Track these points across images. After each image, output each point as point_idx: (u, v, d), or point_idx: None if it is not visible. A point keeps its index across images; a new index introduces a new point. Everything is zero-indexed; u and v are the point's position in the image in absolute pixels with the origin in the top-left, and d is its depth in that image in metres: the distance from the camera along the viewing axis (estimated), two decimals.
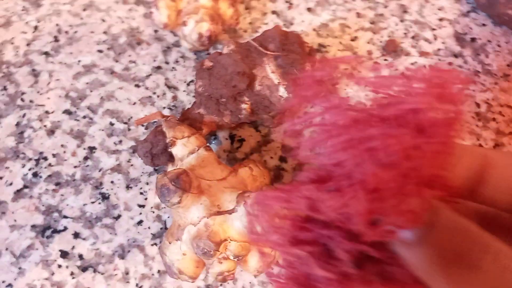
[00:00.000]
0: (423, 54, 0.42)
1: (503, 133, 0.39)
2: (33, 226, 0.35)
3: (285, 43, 0.34)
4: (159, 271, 0.33)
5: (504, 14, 0.42)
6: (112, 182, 0.36)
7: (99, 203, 0.36)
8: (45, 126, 0.38)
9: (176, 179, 0.28)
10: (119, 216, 0.35)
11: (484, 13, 0.45)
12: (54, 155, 0.37)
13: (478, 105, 0.40)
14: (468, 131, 0.39)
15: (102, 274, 0.33)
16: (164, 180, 0.28)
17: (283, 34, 0.35)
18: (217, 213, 0.29)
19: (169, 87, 0.40)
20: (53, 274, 0.33)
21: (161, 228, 0.35)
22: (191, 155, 0.32)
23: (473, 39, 0.43)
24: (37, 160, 0.37)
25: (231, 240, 0.29)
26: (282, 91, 0.33)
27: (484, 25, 0.44)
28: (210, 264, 0.30)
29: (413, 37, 0.43)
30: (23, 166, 0.37)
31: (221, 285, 0.33)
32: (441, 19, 0.44)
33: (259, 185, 0.33)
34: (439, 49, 0.43)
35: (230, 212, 0.29)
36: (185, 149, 0.32)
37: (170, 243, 0.30)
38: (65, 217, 0.35)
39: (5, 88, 0.40)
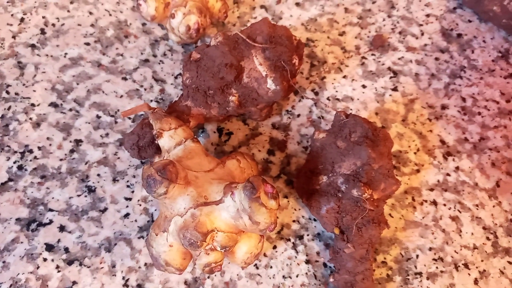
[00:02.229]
0: (410, 49, 0.43)
1: (488, 126, 0.40)
2: (18, 220, 0.34)
3: (273, 35, 0.34)
4: (146, 264, 0.33)
5: (489, 11, 0.43)
6: (98, 175, 0.36)
7: (85, 196, 0.35)
8: (30, 119, 0.38)
9: (162, 169, 0.28)
10: (105, 209, 0.35)
11: (470, 10, 0.45)
12: (39, 148, 0.37)
13: (463, 99, 0.41)
14: (454, 124, 0.39)
15: (88, 267, 0.33)
16: (150, 170, 0.28)
17: (271, 26, 0.35)
18: (204, 204, 0.29)
19: (156, 80, 0.40)
20: (38, 267, 0.33)
21: (148, 221, 0.35)
22: (178, 146, 0.31)
23: (459, 35, 0.44)
24: (22, 153, 0.36)
25: (218, 231, 0.28)
26: (270, 83, 0.33)
27: (470, 21, 0.45)
28: (197, 256, 0.29)
29: (400, 33, 0.44)
30: (8, 159, 0.36)
31: (208, 277, 0.33)
32: (428, 15, 0.45)
33: (246, 177, 0.33)
34: (425, 45, 0.43)
35: (217, 203, 0.29)
36: (172, 141, 0.32)
37: (156, 235, 0.30)
38: (51, 210, 0.35)
39: None
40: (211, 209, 0.29)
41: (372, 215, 0.30)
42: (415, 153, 0.38)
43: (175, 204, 0.29)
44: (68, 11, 0.43)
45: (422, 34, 0.44)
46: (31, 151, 0.36)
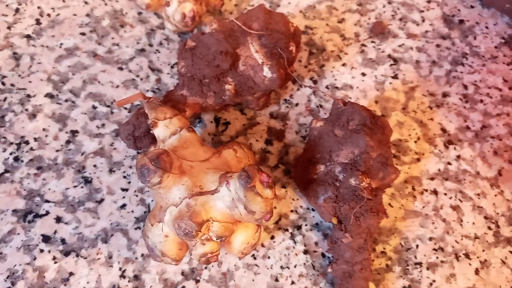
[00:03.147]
0: (410, 36, 0.42)
1: (490, 114, 0.39)
2: (15, 211, 0.34)
3: (269, 22, 0.34)
4: (142, 255, 0.33)
5: None
6: (95, 166, 0.36)
7: (82, 187, 0.35)
8: (26, 110, 0.37)
9: (156, 159, 0.28)
10: (102, 200, 0.35)
11: None
12: (35, 139, 0.36)
13: (465, 86, 0.40)
14: (455, 112, 0.39)
15: (85, 258, 0.33)
16: (144, 160, 0.28)
17: (267, 13, 0.34)
18: (199, 193, 0.28)
19: (152, 69, 0.39)
20: (35, 258, 0.33)
21: (144, 212, 0.34)
22: (173, 136, 0.31)
23: (461, 21, 0.43)
24: (19, 144, 0.36)
25: (213, 221, 0.28)
26: (266, 71, 0.33)
27: (472, 7, 0.44)
28: (193, 246, 0.29)
29: (400, 19, 0.43)
30: (4, 150, 0.36)
31: (205, 267, 0.33)
32: (429, 1, 0.44)
33: (243, 166, 0.32)
34: (426, 31, 0.42)
35: (212, 192, 0.28)
36: (167, 130, 0.31)
37: (152, 225, 0.29)
38: (47, 201, 0.34)
39: None
40: (206, 198, 0.28)
41: (370, 204, 0.30)
42: (415, 141, 0.37)
43: (170, 194, 0.28)
44: (64, 1, 0.42)
45: (423, 20, 0.43)
46: (27, 142, 0.36)
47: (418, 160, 0.37)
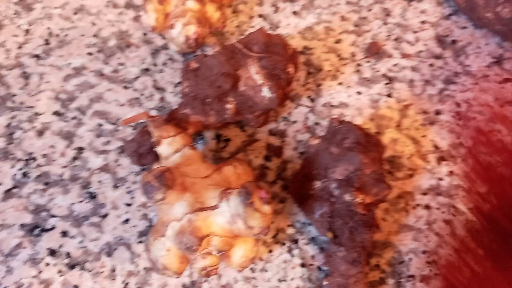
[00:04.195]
0: (405, 55, 0.44)
1: (482, 131, 0.40)
2: (22, 225, 0.35)
3: (269, 45, 0.35)
4: (145, 268, 0.34)
5: (483, 17, 0.44)
6: (99, 181, 0.37)
7: (87, 202, 0.36)
8: (34, 127, 0.39)
9: (160, 176, 0.29)
10: (106, 215, 0.36)
11: (465, 16, 0.46)
12: (43, 156, 0.38)
13: (458, 104, 0.41)
14: (448, 129, 0.40)
15: (89, 271, 0.34)
16: (149, 177, 0.29)
17: (267, 36, 0.36)
18: (200, 209, 0.29)
19: (157, 88, 0.41)
20: (41, 272, 0.34)
21: (147, 226, 0.36)
22: (176, 153, 0.32)
23: (454, 41, 0.44)
24: (27, 161, 0.38)
25: (214, 235, 0.29)
26: (266, 91, 0.34)
27: (465, 27, 0.45)
28: (194, 260, 0.30)
29: (395, 40, 0.44)
30: (13, 166, 0.37)
31: (205, 280, 0.34)
32: (423, 22, 0.45)
33: (243, 182, 0.33)
34: (420, 51, 0.44)
35: (213, 208, 0.29)
36: (170, 148, 0.33)
37: (154, 240, 0.31)
38: (53, 216, 0.36)
39: None
40: (207, 214, 0.29)
41: (364, 219, 0.31)
42: (408, 158, 0.39)
43: (173, 209, 0.30)
44: (72, 22, 0.44)
45: (417, 40, 0.44)
46: (35, 159, 0.38)
47: (411, 176, 0.38)
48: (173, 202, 0.30)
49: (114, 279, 0.34)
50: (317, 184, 0.33)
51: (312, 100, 0.41)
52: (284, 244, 0.35)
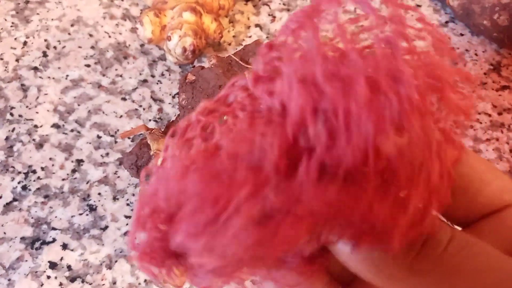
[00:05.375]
0: None
1: (480, 139, 0.40)
2: (23, 238, 0.35)
3: None
4: (145, 281, 0.34)
5: (480, 25, 0.44)
6: (99, 194, 0.37)
7: (87, 214, 0.36)
8: (34, 140, 0.39)
9: None
10: (106, 227, 0.36)
11: (462, 23, 0.46)
12: (42, 168, 0.38)
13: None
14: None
15: (90, 284, 0.34)
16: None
17: None
18: None
19: (155, 100, 0.41)
20: (42, 285, 0.34)
21: None
22: None
23: (451, 48, 0.45)
24: (26, 174, 0.38)
25: None
26: None
27: (462, 34, 0.45)
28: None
29: None
30: (13, 179, 0.37)
31: None
32: (420, 30, 0.46)
33: None
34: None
35: None
36: None
37: None
38: (54, 228, 0.36)
39: None
40: None
41: None
42: None
43: None
44: (69, 33, 0.44)
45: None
46: (34, 172, 0.38)
47: None
48: None
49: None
50: None
51: None
52: None
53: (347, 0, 0.14)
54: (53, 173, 0.38)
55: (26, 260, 0.35)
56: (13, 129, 0.39)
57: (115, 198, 0.37)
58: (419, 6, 0.47)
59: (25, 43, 0.43)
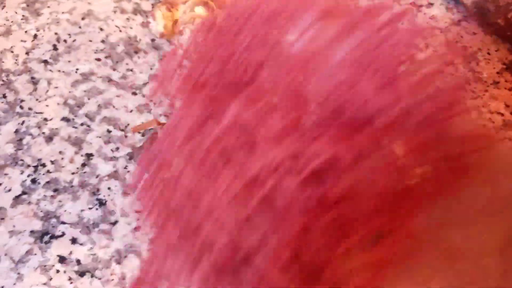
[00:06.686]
0: None
1: None
2: (32, 232, 0.35)
3: None
4: None
5: (494, 23, 0.43)
6: (109, 188, 0.37)
7: (96, 209, 0.36)
8: (43, 133, 0.39)
9: None
10: (116, 222, 0.36)
11: (475, 22, 0.46)
12: (52, 162, 0.38)
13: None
14: None
15: (99, 279, 0.34)
16: None
17: None
18: None
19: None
20: (51, 279, 0.34)
21: None
22: None
23: (464, 47, 0.44)
24: (36, 167, 0.38)
25: None
26: None
27: (475, 33, 0.45)
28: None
29: None
30: (22, 172, 0.37)
31: None
32: (432, 28, 0.45)
33: None
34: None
35: None
36: None
37: None
38: (63, 223, 0.36)
39: (4, 96, 0.40)
40: None
41: None
42: None
43: None
44: (80, 27, 0.44)
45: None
46: (44, 165, 0.38)
47: None
48: None
49: (124, 287, 0.34)
50: None
51: None
52: None
53: None
54: (63, 166, 0.38)
55: (35, 254, 0.35)
56: (23, 122, 0.39)
57: (125, 193, 0.37)
58: (431, 4, 0.47)
59: (35, 36, 0.43)
